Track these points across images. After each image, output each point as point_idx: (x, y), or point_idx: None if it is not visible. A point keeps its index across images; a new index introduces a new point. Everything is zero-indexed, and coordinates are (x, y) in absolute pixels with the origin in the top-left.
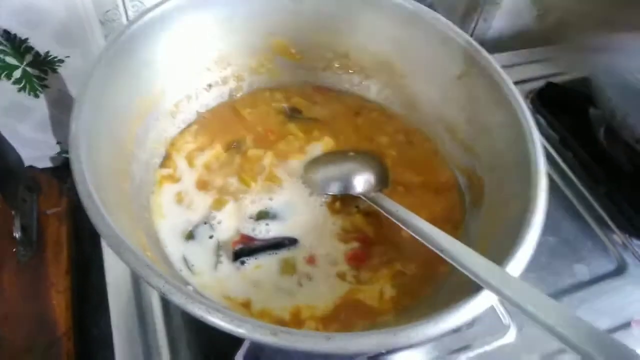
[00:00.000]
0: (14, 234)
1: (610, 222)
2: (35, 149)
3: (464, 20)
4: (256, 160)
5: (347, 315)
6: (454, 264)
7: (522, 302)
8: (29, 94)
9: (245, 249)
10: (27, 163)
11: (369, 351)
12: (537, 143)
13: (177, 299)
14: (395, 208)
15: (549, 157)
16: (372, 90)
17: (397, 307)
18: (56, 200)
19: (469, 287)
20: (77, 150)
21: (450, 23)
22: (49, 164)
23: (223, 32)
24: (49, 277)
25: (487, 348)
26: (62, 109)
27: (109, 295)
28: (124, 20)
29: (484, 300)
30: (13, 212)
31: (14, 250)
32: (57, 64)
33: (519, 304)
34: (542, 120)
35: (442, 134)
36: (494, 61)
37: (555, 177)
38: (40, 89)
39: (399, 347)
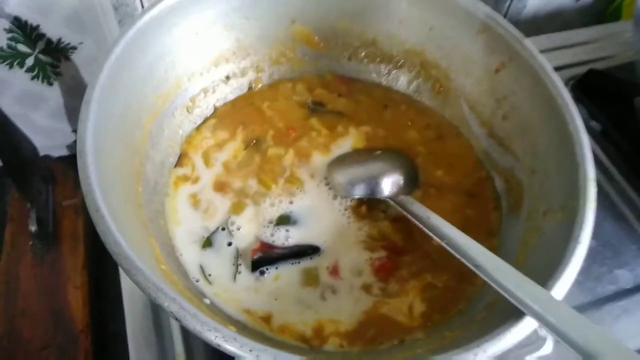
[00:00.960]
0: (30, 227)
1: None
2: (50, 137)
3: None
4: (277, 160)
5: (374, 331)
6: (490, 282)
7: (571, 334)
8: (43, 82)
9: (264, 258)
10: (42, 152)
11: None
12: (586, 147)
13: (192, 325)
14: (425, 214)
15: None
16: (402, 81)
17: (427, 323)
18: (72, 191)
19: (507, 303)
20: (84, 157)
21: (489, 8)
22: (65, 152)
23: (242, 20)
24: (65, 271)
25: None
26: (76, 97)
27: (123, 296)
28: (137, 5)
29: (527, 326)
30: (28, 205)
31: (30, 244)
32: (70, 50)
33: (566, 336)
34: (583, 110)
35: (477, 130)
36: (539, 53)
37: (597, 173)
38: (53, 76)
39: None
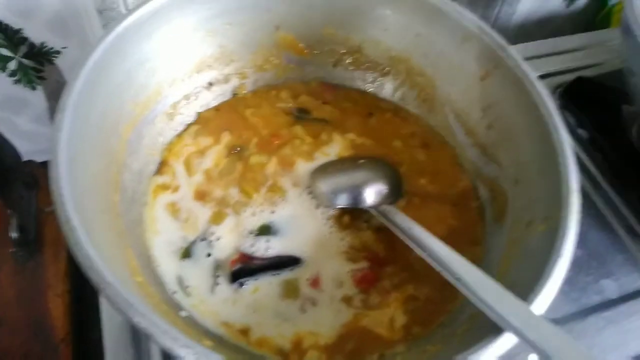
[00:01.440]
0: (11, 234)
1: None
2: (34, 142)
3: (487, 4)
4: (259, 168)
5: (354, 345)
6: (470, 296)
7: (551, 351)
8: (26, 86)
9: (244, 269)
10: (26, 157)
11: None
12: (570, 158)
13: (162, 341)
14: (407, 225)
15: (577, 159)
16: (387, 88)
17: (408, 336)
18: None
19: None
20: (57, 168)
21: (474, 17)
22: (49, 157)
23: (225, 26)
24: (47, 279)
25: None
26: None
27: (101, 306)
28: (122, 9)
29: (507, 342)
30: (9, 211)
31: (11, 251)
32: (53, 54)
33: (546, 353)
34: (570, 118)
35: (461, 139)
36: (523, 62)
37: (583, 181)
38: (37, 80)
39: None
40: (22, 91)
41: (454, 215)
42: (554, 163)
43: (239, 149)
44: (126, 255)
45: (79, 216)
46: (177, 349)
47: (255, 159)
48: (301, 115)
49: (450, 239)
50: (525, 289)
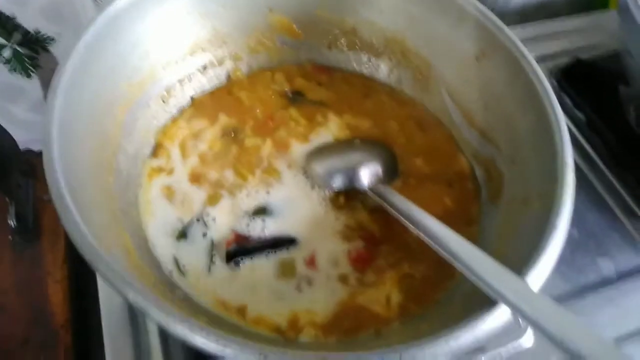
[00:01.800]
0: (9, 222)
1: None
2: (30, 130)
3: None
4: (254, 150)
5: (350, 322)
6: (466, 272)
7: (544, 322)
8: (21, 74)
9: (239, 249)
10: (22, 146)
11: None
12: (565, 134)
13: (156, 316)
14: (403, 205)
15: (574, 141)
16: (382, 70)
17: (403, 314)
18: None
19: (485, 294)
20: (50, 145)
21: None
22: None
23: (219, 8)
24: (45, 266)
25: (502, 350)
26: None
27: (99, 291)
28: None
29: (500, 315)
30: (7, 199)
31: (10, 239)
32: (48, 42)
33: (539, 324)
34: (567, 100)
35: (457, 120)
36: (519, 41)
37: (580, 162)
38: (32, 68)
39: None
40: (18, 80)
41: (450, 196)
42: (549, 140)
43: (233, 131)
44: (121, 236)
45: (73, 196)
46: (173, 325)
47: (250, 142)
48: (296, 97)
49: (445, 219)
50: (521, 264)
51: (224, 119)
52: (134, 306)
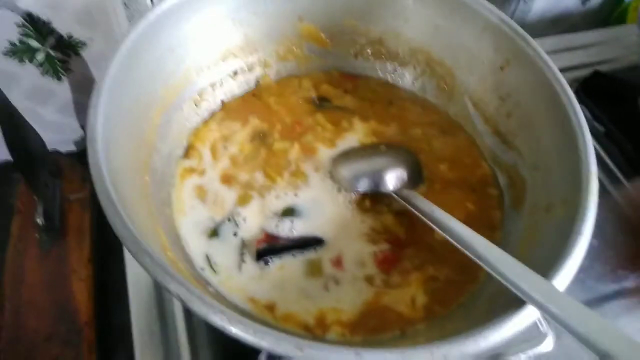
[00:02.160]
0: (37, 220)
1: None
2: (58, 132)
3: (502, 2)
4: (282, 154)
5: (376, 322)
6: (493, 273)
7: (572, 322)
8: (52, 77)
9: (269, 248)
10: (50, 147)
11: None
12: (589, 143)
13: (197, 308)
14: (429, 208)
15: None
16: (407, 78)
17: (428, 315)
18: (79, 185)
19: (509, 297)
20: (94, 143)
21: (494, 7)
22: (72, 148)
23: (251, 16)
24: (71, 264)
25: (523, 356)
26: (85, 93)
27: (129, 288)
28: (147, 2)
29: (528, 315)
30: (36, 198)
31: (37, 236)
32: (79, 46)
33: (567, 324)
34: (586, 112)
35: (480, 127)
36: (542, 51)
37: (600, 173)
38: (63, 72)
39: None
40: (48, 82)
41: (473, 201)
42: (573, 148)
43: (262, 135)
44: (157, 232)
45: (116, 191)
46: (212, 315)
47: (278, 145)
48: (322, 103)
49: (469, 224)
50: (546, 269)
51: (253, 123)
52: (176, 298)
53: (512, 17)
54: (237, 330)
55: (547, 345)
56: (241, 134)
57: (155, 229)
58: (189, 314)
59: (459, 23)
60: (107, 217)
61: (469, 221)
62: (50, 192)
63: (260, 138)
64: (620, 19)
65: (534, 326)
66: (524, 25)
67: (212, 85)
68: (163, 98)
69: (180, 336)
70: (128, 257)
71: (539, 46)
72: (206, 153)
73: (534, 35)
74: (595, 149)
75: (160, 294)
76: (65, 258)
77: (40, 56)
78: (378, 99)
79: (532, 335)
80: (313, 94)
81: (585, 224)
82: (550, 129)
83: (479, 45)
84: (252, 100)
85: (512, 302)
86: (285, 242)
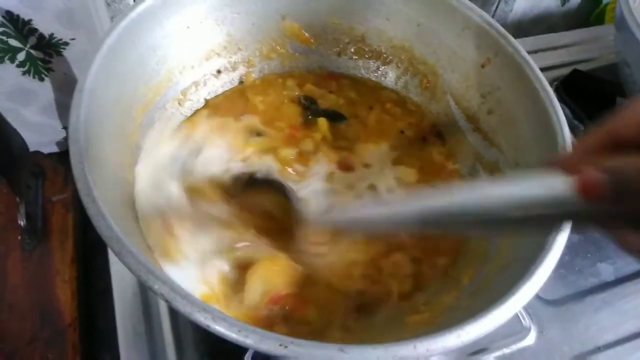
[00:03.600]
0: (19, 222)
1: None
2: (40, 133)
3: (484, 2)
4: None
5: None
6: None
7: None
8: (34, 77)
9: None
10: (32, 148)
11: None
12: (568, 138)
13: (182, 307)
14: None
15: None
16: (390, 77)
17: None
18: (62, 186)
19: (492, 292)
20: (77, 143)
21: (474, 6)
22: (55, 149)
23: (233, 15)
24: (54, 266)
25: (506, 351)
26: (68, 93)
27: (113, 288)
28: (130, 1)
29: (509, 310)
30: (17, 199)
31: (19, 238)
32: (61, 46)
33: None
34: (566, 110)
35: (462, 124)
36: (522, 49)
37: None
38: (45, 72)
39: (418, 358)
40: (30, 82)
41: None
42: (552, 143)
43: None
44: (139, 231)
45: (98, 190)
46: (196, 314)
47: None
48: (308, 103)
49: None
50: (528, 261)
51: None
52: (160, 297)
53: (493, 18)
54: (221, 328)
55: (530, 339)
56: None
57: (138, 229)
58: (174, 314)
59: (440, 22)
60: (90, 216)
61: None
62: (32, 194)
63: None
64: (599, 20)
65: (517, 321)
66: (505, 25)
67: (196, 84)
68: (146, 97)
69: (166, 336)
70: (112, 258)
71: (518, 43)
72: None
73: (515, 35)
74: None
75: (145, 294)
76: (49, 259)
77: (21, 56)
78: (362, 99)
79: (514, 330)
80: (297, 93)
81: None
82: (530, 125)
83: (461, 43)
84: (237, 98)
85: (494, 297)
86: None
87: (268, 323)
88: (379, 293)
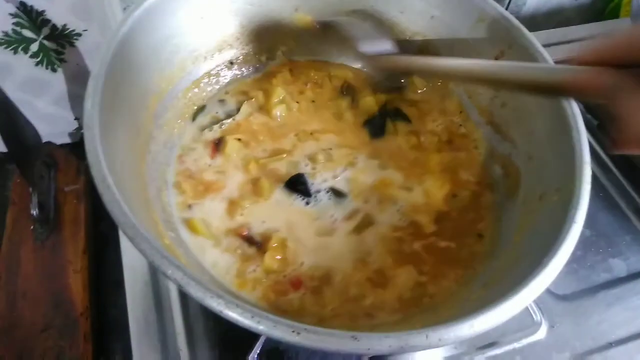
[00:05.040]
0: (32, 211)
1: None
2: (53, 124)
3: None
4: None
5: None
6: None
7: None
8: (47, 68)
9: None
10: (44, 139)
11: (399, 353)
12: (582, 132)
13: (195, 292)
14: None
15: None
16: None
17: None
18: (74, 177)
19: (503, 285)
20: (91, 130)
21: None
22: (67, 140)
23: (246, 6)
24: (66, 255)
25: (516, 345)
26: (80, 84)
27: (125, 278)
28: None
29: (522, 301)
30: (30, 189)
31: (32, 228)
32: (74, 37)
33: None
34: (580, 105)
35: (475, 118)
36: (537, 41)
37: (593, 165)
38: (57, 62)
39: (431, 348)
40: (43, 73)
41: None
42: (567, 137)
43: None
44: (154, 219)
45: (113, 177)
46: (209, 300)
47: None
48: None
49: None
50: (541, 254)
51: None
52: (173, 282)
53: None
54: (234, 314)
55: (540, 334)
56: None
57: (152, 216)
58: (185, 302)
59: (454, 14)
60: (104, 203)
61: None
62: (45, 184)
63: None
64: (614, 14)
65: (528, 315)
66: (518, 18)
67: (208, 75)
68: (159, 86)
69: (177, 326)
70: (124, 247)
71: (533, 36)
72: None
73: (528, 29)
74: (588, 141)
75: (156, 283)
76: (61, 249)
77: (34, 47)
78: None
79: (525, 324)
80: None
81: (578, 212)
82: (544, 119)
83: (474, 36)
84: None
85: (505, 289)
86: None
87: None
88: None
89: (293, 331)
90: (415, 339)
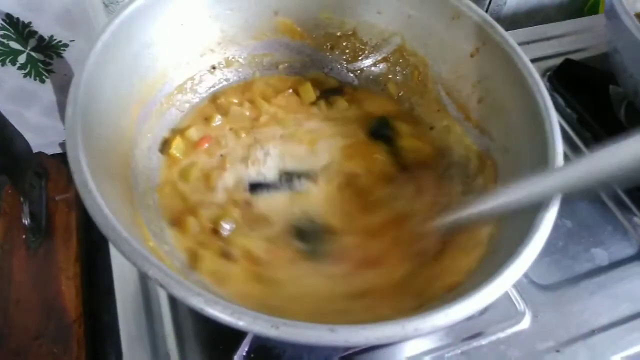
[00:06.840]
0: (23, 221)
1: (631, 205)
2: (42, 135)
3: None
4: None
5: None
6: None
7: None
8: (35, 79)
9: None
10: (35, 150)
11: (375, 343)
12: (555, 124)
13: (176, 291)
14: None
15: (566, 138)
16: (382, 68)
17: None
18: (65, 186)
19: (482, 274)
20: (73, 136)
21: None
22: (57, 150)
23: (227, 11)
24: (58, 263)
25: (501, 335)
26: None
27: (115, 283)
28: (127, 1)
29: (496, 290)
30: (22, 199)
31: (24, 237)
32: (61, 48)
33: None
34: (559, 99)
35: (454, 114)
36: (510, 37)
37: (572, 157)
38: (46, 74)
39: (407, 339)
40: (31, 84)
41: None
42: (540, 129)
43: None
44: (138, 223)
45: (95, 182)
46: (190, 298)
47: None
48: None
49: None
50: (517, 242)
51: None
52: (155, 283)
53: (487, 11)
54: (215, 311)
55: (524, 323)
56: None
57: (136, 221)
58: (174, 306)
59: (429, 12)
60: (86, 207)
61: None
62: (36, 193)
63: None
64: (593, 11)
65: (511, 306)
66: (499, 18)
67: (191, 81)
68: (141, 93)
69: (167, 329)
70: (113, 254)
71: (508, 34)
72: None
73: (509, 27)
74: (568, 135)
75: (146, 290)
76: (53, 257)
77: (22, 58)
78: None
79: (509, 315)
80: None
81: (552, 200)
82: (519, 112)
83: (450, 33)
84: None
85: (482, 278)
86: None
87: None
88: None
89: (272, 325)
90: (391, 329)
